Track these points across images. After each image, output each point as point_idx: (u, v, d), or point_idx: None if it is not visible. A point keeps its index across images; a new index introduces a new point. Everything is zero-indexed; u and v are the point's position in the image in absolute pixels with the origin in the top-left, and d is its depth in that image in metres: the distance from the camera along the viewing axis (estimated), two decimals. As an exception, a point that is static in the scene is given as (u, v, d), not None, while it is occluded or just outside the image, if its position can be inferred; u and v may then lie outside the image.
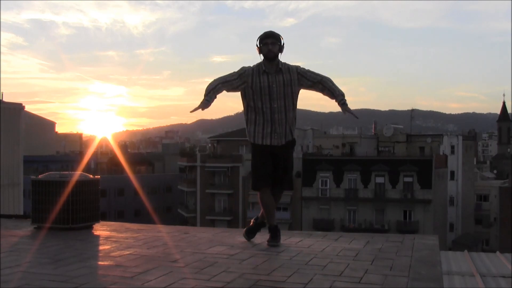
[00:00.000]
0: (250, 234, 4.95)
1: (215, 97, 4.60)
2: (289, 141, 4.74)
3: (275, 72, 4.62)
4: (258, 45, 4.63)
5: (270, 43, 4.57)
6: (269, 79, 4.61)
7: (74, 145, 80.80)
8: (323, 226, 47.04)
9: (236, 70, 4.73)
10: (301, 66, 4.73)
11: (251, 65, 4.73)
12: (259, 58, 4.69)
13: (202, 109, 4.56)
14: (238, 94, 4.76)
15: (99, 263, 4.05)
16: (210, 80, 4.66)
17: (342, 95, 4.67)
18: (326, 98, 4.72)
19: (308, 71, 4.71)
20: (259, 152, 4.73)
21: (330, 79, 4.72)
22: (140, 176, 60.93)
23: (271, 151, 4.70)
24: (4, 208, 11.30)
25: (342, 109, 4.68)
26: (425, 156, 51.43)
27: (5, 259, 4.13)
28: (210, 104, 4.55)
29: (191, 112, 4.55)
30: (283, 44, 4.65)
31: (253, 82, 4.62)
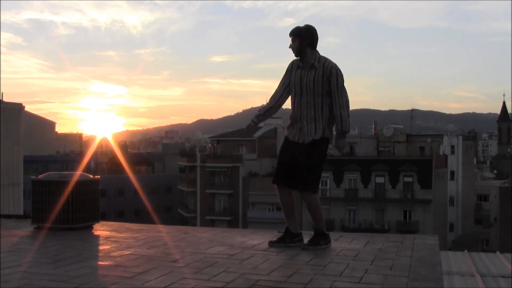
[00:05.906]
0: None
1: (266, 117, 4.71)
2: (313, 140, 4.48)
3: (309, 67, 4.51)
4: None
5: (291, 40, 4.55)
6: (302, 74, 4.53)
7: (74, 145, 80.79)
8: (323, 226, 46.94)
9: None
10: (338, 70, 4.46)
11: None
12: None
13: (247, 130, 4.76)
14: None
15: (99, 263, 4.05)
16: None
17: (343, 128, 4.42)
18: None
19: (340, 80, 4.43)
20: (282, 146, 4.68)
21: (344, 105, 4.44)
22: (140, 176, 60.90)
23: (294, 148, 4.56)
24: (4, 208, 11.30)
25: (335, 142, 4.51)
26: (425, 156, 51.44)
27: (5, 259, 4.13)
28: (256, 125, 4.76)
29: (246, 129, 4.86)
30: (306, 36, 4.46)
31: (291, 77, 4.61)
